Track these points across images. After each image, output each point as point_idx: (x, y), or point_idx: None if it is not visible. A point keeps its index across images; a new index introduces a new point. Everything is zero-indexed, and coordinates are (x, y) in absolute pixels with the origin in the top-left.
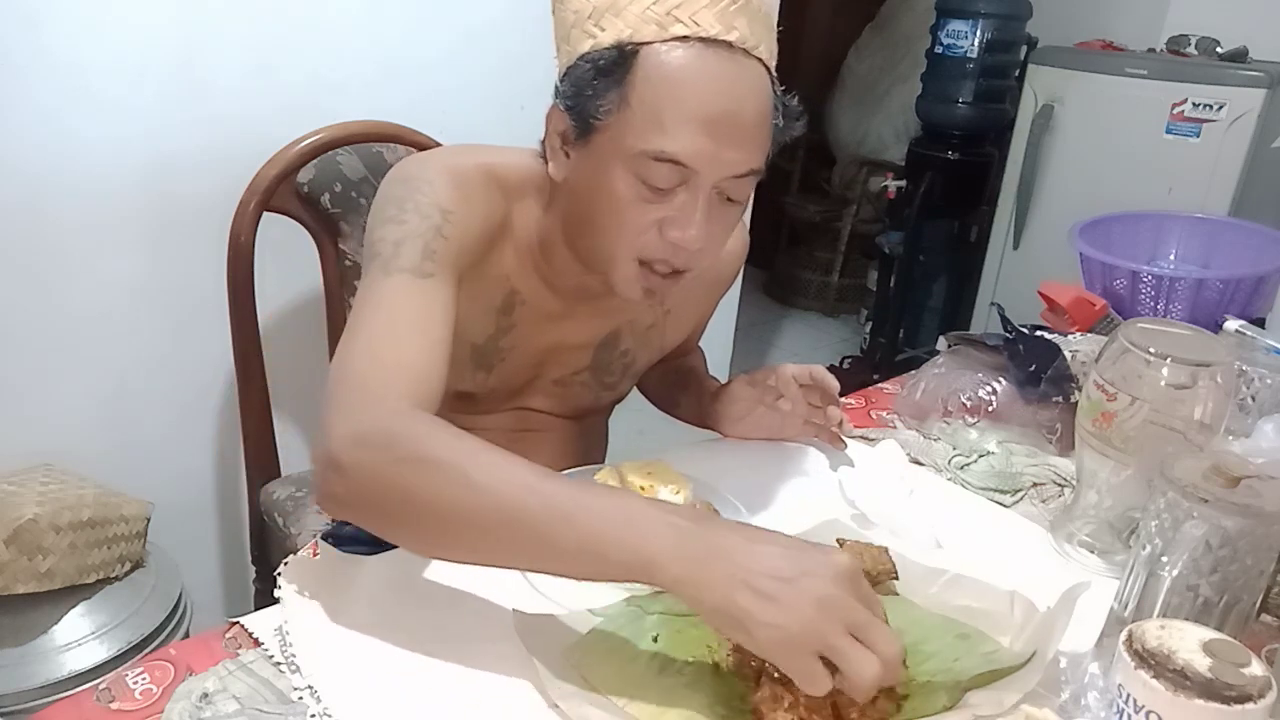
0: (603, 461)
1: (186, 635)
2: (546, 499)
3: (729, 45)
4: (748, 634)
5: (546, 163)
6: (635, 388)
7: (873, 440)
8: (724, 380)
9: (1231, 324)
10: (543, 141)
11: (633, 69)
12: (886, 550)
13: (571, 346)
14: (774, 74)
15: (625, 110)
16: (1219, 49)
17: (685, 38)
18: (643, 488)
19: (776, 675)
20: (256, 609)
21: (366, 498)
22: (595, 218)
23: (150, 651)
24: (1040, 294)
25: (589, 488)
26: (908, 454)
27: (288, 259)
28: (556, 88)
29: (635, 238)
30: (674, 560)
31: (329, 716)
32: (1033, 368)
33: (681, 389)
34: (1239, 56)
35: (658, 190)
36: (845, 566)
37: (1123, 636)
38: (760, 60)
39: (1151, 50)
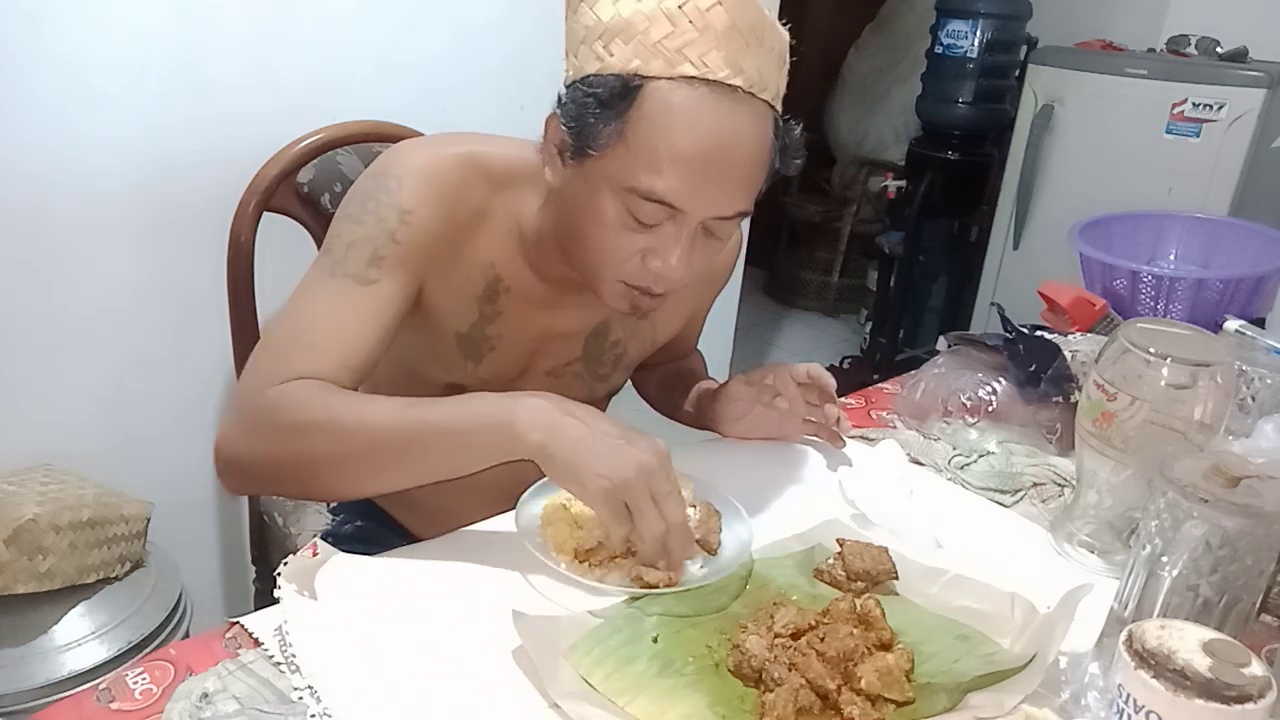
0: None
1: (186, 635)
2: (414, 421)
3: (734, 89)
4: (581, 483)
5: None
6: (636, 392)
7: (872, 440)
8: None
9: (1231, 324)
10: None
11: (634, 105)
12: (886, 550)
13: (562, 335)
14: (779, 113)
15: (621, 145)
16: (1219, 49)
17: (692, 78)
18: None
19: (776, 677)
20: (256, 609)
21: (262, 477)
22: (582, 235)
23: (150, 651)
24: (1040, 294)
25: (448, 400)
26: (908, 454)
27: (288, 259)
28: (559, 96)
29: (618, 264)
30: (532, 429)
31: (329, 716)
32: (1033, 368)
33: (681, 392)
34: (1239, 56)
35: (644, 223)
36: (663, 450)
37: (1123, 636)
38: (766, 101)
39: (1151, 50)
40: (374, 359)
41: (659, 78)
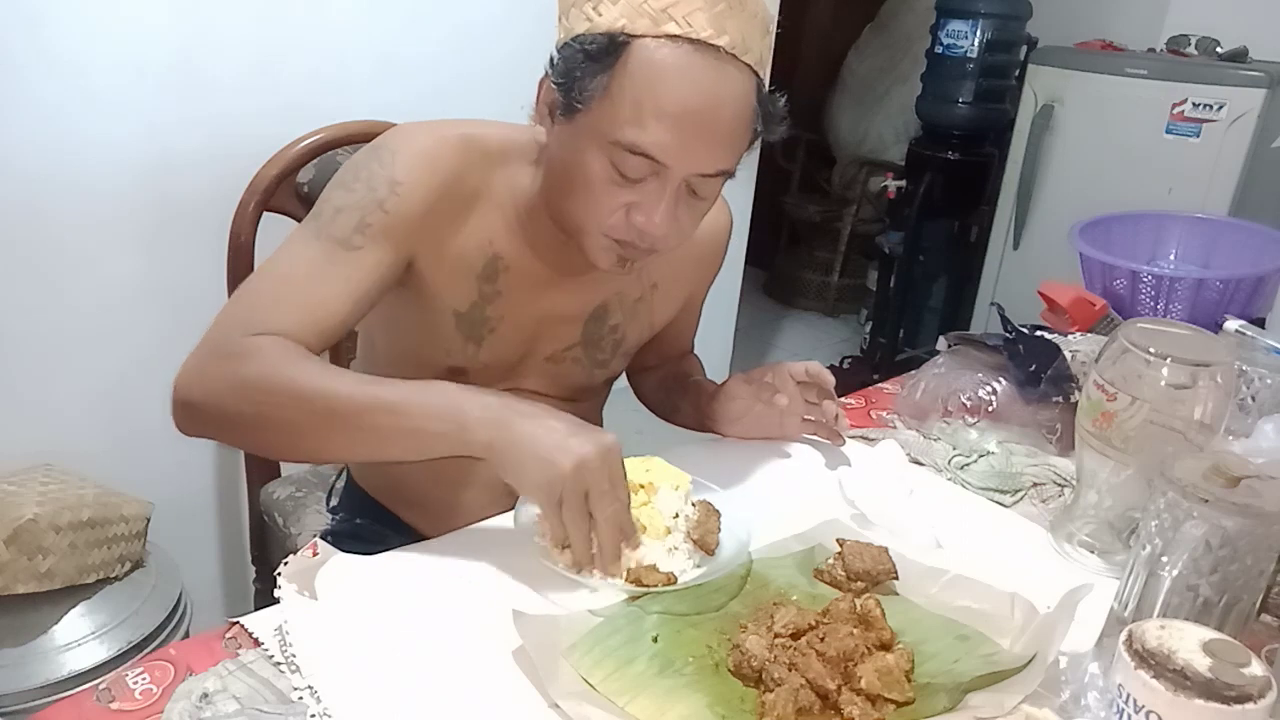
0: None
1: (186, 635)
2: (370, 398)
3: (717, 49)
4: (519, 478)
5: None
6: (636, 397)
7: (872, 440)
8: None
9: (1231, 324)
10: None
11: (620, 60)
12: (886, 550)
13: (561, 319)
14: (762, 79)
15: (607, 99)
16: (1219, 49)
17: (676, 37)
18: (642, 486)
19: (777, 677)
20: (256, 609)
21: (214, 423)
22: (570, 190)
23: (150, 651)
24: (1040, 294)
25: (410, 383)
26: (908, 454)
27: None
28: (551, 58)
29: (604, 217)
30: (482, 425)
31: (329, 716)
32: (1033, 368)
33: (680, 394)
34: (1239, 56)
35: (628, 178)
36: (608, 445)
37: (1123, 636)
38: (749, 65)
39: (1151, 50)
40: (346, 324)
41: (644, 36)
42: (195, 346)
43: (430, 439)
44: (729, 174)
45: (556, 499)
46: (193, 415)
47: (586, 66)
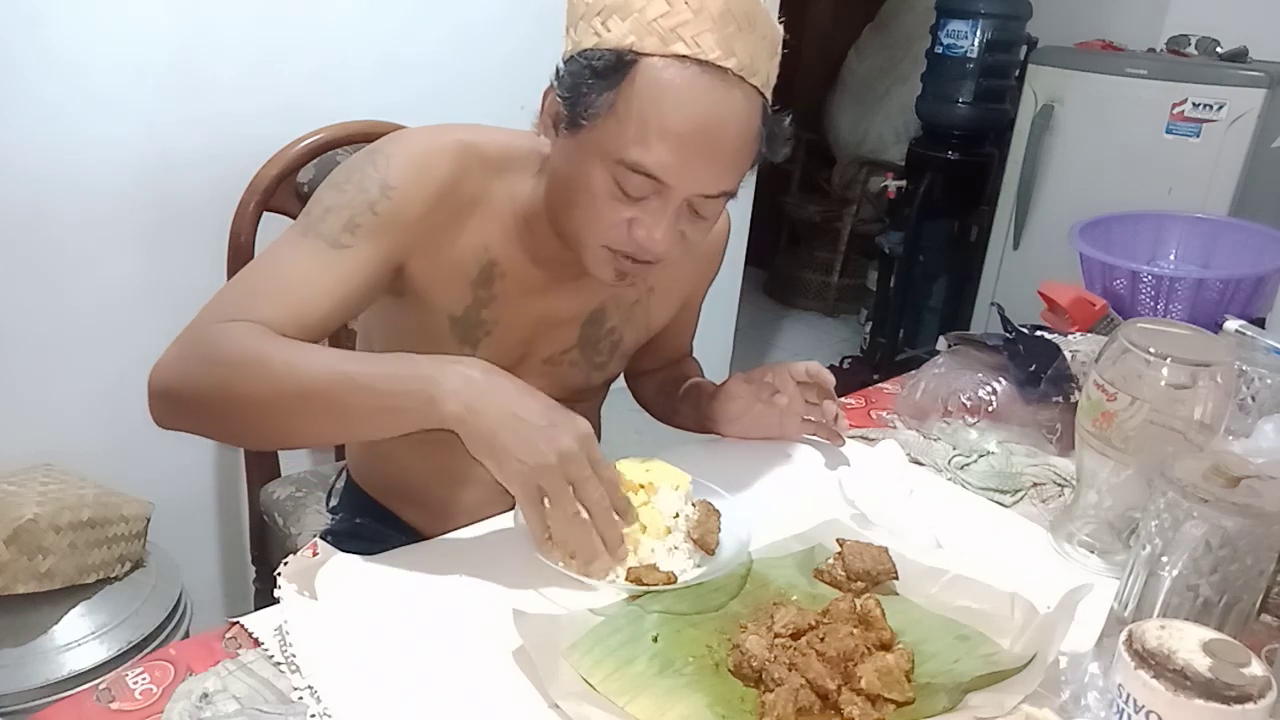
0: None
1: (186, 635)
2: (339, 375)
3: (725, 71)
4: (498, 464)
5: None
6: (635, 401)
7: (872, 440)
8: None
9: (1231, 324)
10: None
11: (627, 78)
12: (886, 550)
13: (558, 322)
14: (768, 100)
15: (612, 116)
16: (1219, 49)
17: (684, 57)
18: (642, 486)
19: (777, 677)
20: (256, 609)
21: (187, 409)
22: (572, 203)
23: (150, 651)
24: (1040, 294)
25: (383, 357)
26: (908, 454)
27: None
28: (557, 69)
29: (605, 231)
30: (453, 399)
31: (329, 716)
32: (1033, 368)
33: (680, 396)
34: (1239, 56)
35: (631, 195)
36: (585, 431)
37: (1123, 636)
38: (755, 87)
39: (1151, 50)
40: (328, 322)
41: (652, 55)
42: (173, 340)
43: (401, 415)
44: (731, 194)
45: (535, 489)
46: (168, 404)
47: (593, 83)
